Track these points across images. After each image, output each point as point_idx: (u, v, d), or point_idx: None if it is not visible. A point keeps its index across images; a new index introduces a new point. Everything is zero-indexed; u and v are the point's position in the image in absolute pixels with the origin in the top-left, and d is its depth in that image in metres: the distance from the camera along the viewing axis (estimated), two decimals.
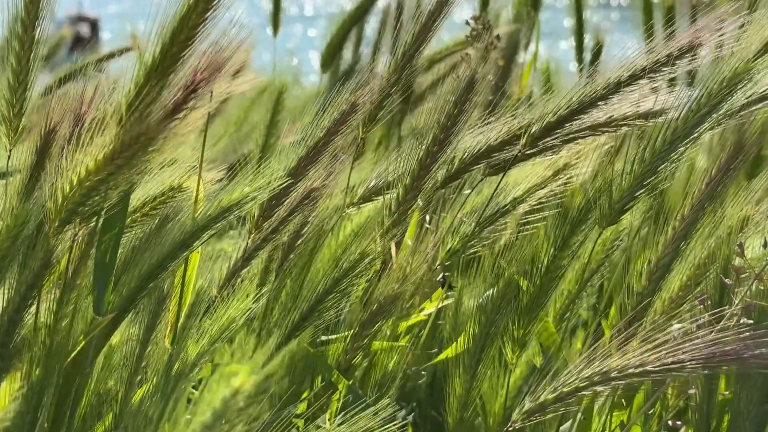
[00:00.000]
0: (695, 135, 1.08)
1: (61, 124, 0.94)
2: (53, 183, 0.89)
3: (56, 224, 0.90)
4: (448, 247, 1.17)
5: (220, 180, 1.05)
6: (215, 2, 0.88)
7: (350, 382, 1.11)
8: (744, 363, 0.91)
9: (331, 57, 2.15)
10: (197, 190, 1.01)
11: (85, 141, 0.86)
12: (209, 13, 0.88)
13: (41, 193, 0.91)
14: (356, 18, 2.15)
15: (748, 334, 0.92)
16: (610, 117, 1.13)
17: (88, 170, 0.86)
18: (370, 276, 1.10)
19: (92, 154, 0.86)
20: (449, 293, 1.24)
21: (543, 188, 1.19)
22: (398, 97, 1.12)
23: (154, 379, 1.02)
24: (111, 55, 2.07)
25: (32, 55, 1.03)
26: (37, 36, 1.02)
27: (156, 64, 0.88)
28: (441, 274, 1.19)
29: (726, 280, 1.06)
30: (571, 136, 1.13)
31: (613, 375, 0.96)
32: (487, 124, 1.15)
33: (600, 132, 1.13)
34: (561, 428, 1.19)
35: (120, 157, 0.84)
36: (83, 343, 0.96)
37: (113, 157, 0.85)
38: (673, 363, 0.93)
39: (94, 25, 5.88)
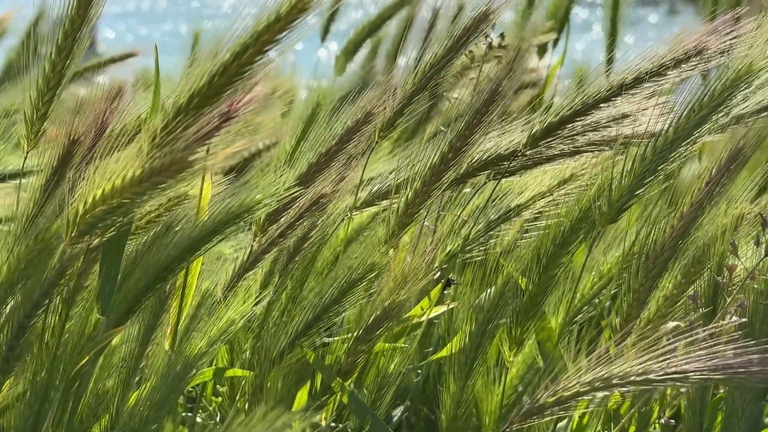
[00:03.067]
0: (696, 135, 1.08)
1: (86, 135, 0.93)
2: (76, 195, 0.88)
3: (74, 235, 0.89)
4: (447, 250, 1.15)
5: (221, 182, 1.04)
6: (269, 46, 0.88)
7: (348, 383, 1.10)
8: (749, 377, 0.90)
9: (345, 62, 2.13)
10: (201, 195, 0.99)
11: (111, 155, 0.85)
12: (259, 57, 0.87)
13: (66, 206, 0.90)
14: (376, 26, 2.13)
15: (751, 348, 0.91)
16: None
17: (114, 188, 0.85)
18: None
19: (120, 172, 0.85)
20: (446, 292, 1.23)
21: (547, 197, 1.18)
22: (420, 105, 1.10)
23: (153, 379, 1.01)
24: (111, 60, 2.05)
25: (67, 63, 1.02)
26: (75, 48, 1.02)
27: (202, 91, 0.88)
28: (439, 273, 1.18)
29: (718, 279, 1.06)
30: (573, 137, 1.13)
31: (614, 381, 0.95)
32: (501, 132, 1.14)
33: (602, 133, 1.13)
34: (558, 426, 1.19)
35: (149, 180, 0.83)
36: (90, 354, 0.95)
37: (142, 180, 0.84)
38: (676, 373, 0.93)
39: None
